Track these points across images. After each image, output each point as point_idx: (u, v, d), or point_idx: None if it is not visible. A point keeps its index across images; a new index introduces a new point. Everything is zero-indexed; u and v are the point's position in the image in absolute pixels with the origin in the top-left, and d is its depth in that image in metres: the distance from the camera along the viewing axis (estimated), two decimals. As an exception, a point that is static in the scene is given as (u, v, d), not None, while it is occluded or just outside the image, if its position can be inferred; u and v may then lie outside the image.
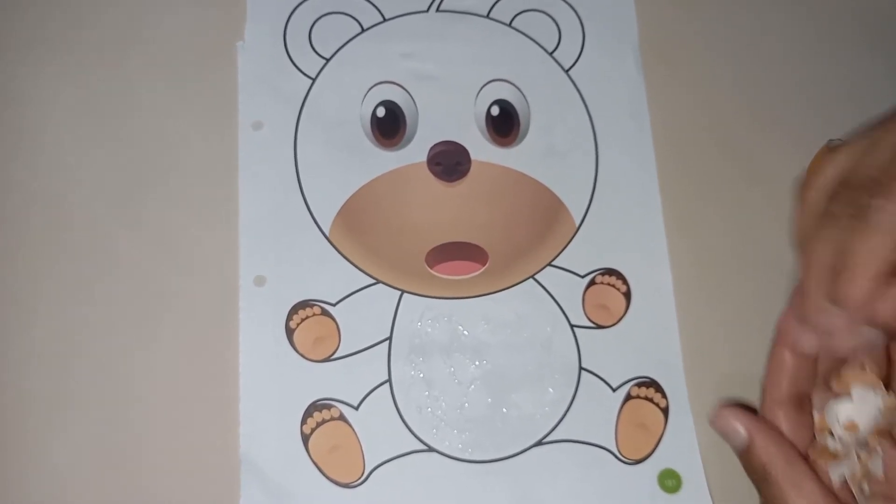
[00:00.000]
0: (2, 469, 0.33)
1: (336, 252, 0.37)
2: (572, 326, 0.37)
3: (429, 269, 0.37)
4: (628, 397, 0.36)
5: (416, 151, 0.38)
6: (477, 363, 0.36)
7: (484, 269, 0.37)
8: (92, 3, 0.39)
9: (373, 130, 0.39)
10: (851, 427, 0.28)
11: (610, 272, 0.38)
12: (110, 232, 0.36)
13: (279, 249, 0.36)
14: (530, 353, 0.36)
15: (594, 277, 0.37)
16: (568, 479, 0.34)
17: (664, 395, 0.36)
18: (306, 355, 0.35)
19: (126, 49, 0.39)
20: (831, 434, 0.28)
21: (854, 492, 0.28)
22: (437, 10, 0.41)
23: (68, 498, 0.33)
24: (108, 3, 0.39)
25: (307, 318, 0.36)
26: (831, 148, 0.27)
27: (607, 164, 0.39)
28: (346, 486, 0.34)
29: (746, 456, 0.29)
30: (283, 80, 0.39)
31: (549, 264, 0.37)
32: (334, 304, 0.36)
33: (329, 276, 0.36)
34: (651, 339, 0.37)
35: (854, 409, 0.28)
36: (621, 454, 0.35)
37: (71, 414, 0.34)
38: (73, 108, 0.38)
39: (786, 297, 0.38)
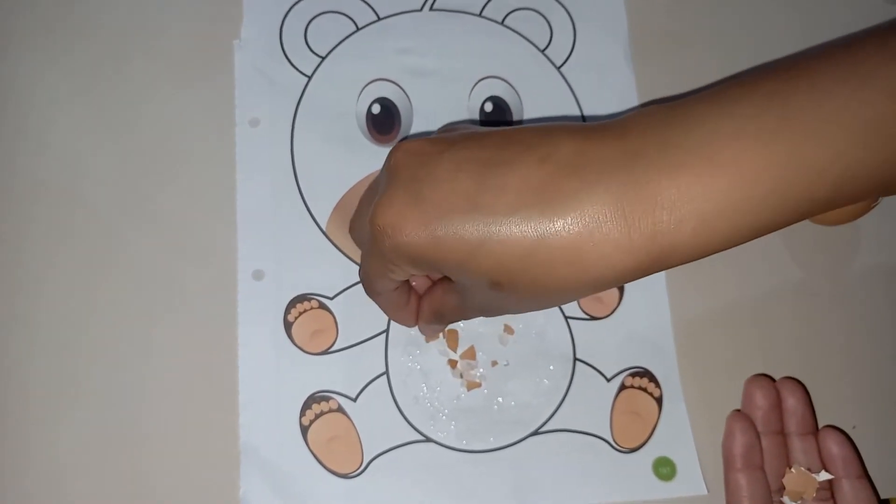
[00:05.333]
0: (3, 457, 0.33)
1: (333, 246, 0.37)
2: (566, 318, 0.37)
3: (425, 262, 0.37)
4: (622, 387, 0.36)
5: (411, 147, 0.39)
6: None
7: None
8: (95, 3, 0.40)
9: (368, 126, 0.39)
10: None
11: (603, 264, 0.38)
12: (109, 228, 0.36)
13: (277, 244, 0.37)
14: (525, 344, 0.37)
15: (587, 269, 0.38)
16: (564, 469, 0.35)
17: (658, 385, 0.37)
18: (304, 348, 0.36)
19: (124, 46, 0.39)
20: None
21: None
22: (431, 8, 0.41)
23: (69, 486, 0.33)
24: (109, 2, 0.40)
25: (305, 311, 0.36)
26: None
27: (599, 159, 0.40)
28: (345, 476, 0.34)
29: None
30: (279, 77, 0.39)
31: (543, 257, 0.38)
32: (332, 298, 0.36)
33: (326, 270, 0.37)
34: (644, 329, 0.37)
35: None
36: (616, 443, 0.36)
37: (72, 405, 0.34)
38: (72, 106, 0.38)
39: (778, 288, 0.39)
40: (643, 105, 0.41)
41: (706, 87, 0.41)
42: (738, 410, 0.36)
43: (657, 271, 0.26)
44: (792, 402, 0.35)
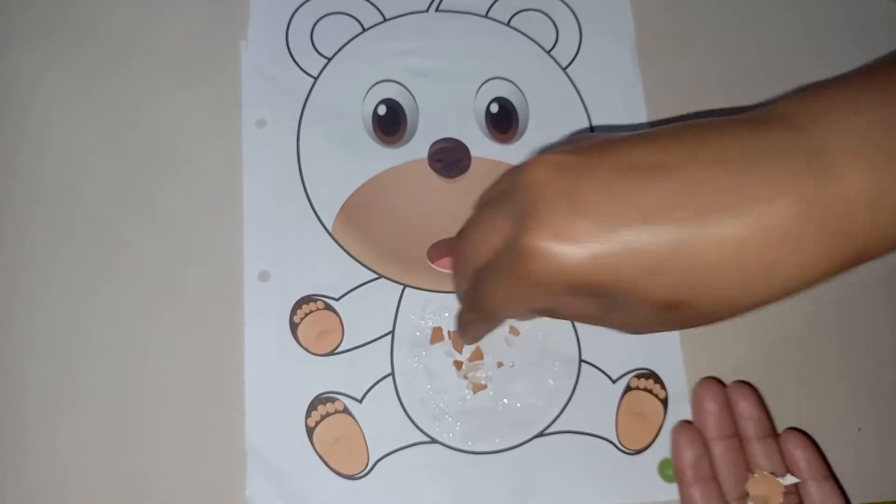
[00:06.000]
0: (7, 458, 0.33)
1: (339, 247, 0.37)
2: (572, 319, 0.37)
3: (430, 263, 0.37)
4: (628, 388, 0.36)
5: (417, 148, 0.39)
6: (478, 356, 0.36)
7: (484, 263, 0.37)
8: (99, 3, 0.40)
9: (374, 128, 0.39)
10: None
11: (609, 266, 0.38)
12: (116, 229, 0.36)
13: (283, 245, 0.37)
14: (531, 345, 0.37)
15: (593, 271, 0.38)
16: (569, 470, 0.35)
17: (663, 387, 0.37)
18: (310, 349, 0.36)
19: (131, 48, 0.39)
20: None
21: None
22: (437, 9, 0.41)
23: (74, 487, 0.33)
24: (114, 2, 0.40)
25: (311, 312, 0.36)
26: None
27: (605, 160, 0.40)
28: (351, 477, 0.34)
29: None
30: (285, 78, 0.39)
31: (549, 258, 0.38)
32: (337, 299, 0.36)
33: (332, 271, 0.37)
34: (650, 331, 0.37)
35: None
36: (622, 444, 0.36)
37: (77, 406, 0.34)
38: (79, 107, 0.38)
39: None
40: (648, 103, 0.41)
41: (712, 86, 0.41)
42: (682, 422, 0.35)
43: (846, 271, 0.23)
44: (743, 405, 0.34)
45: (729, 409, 0.34)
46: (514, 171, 0.26)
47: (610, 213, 0.23)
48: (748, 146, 0.23)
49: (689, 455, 0.33)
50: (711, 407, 0.34)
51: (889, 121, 0.23)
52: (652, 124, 0.40)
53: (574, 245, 0.23)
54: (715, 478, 0.33)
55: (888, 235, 0.23)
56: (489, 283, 0.27)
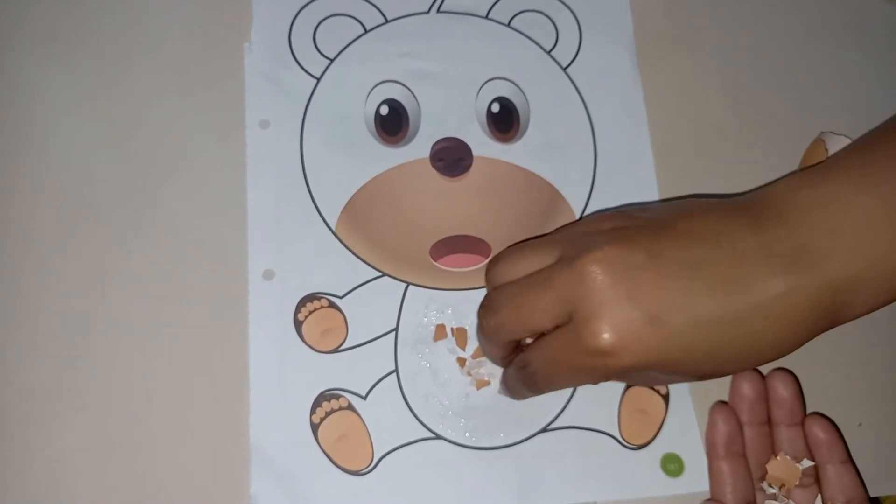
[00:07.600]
0: (13, 459, 0.33)
1: (342, 246, 0.37)
2: (574, 316, 0.37)
3: (433, 261, 0.38)
4: (629, 384, 0.37)
5: (419, 148, 0.39)
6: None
7: (486, 261, 0.38)
8: (102, 5, 0.40)
9: (377, 128, 0.39)
10: None
11: (610, 263, 0.38)
12: (121, 228, 0.37)
13: (287, 244, 0.37)
14: (533, 342, 0.37)
15: (594, 268, 0.38)
16: (572, 465, 0.35)
17: (664, 382, 0.37)
18: (314, 347, 0.36)
19: (135, 50, 0.40)
20: None
21: None
22: (438, 10, 0.42)
23: (79, 486, 0.33)
24: (118, 4, 0.40)
25: (315, 310, 0.36)
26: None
27: (605, 158, 0.40)
28: (355, 473, 0.34)
29: None
30: (288, 79, 0.40)
31: (551, 256, 0.38)
32: (341, 297, 0.37)
33: (336, 269, 0.37)
34: (651, 327, 0.37)
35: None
36: (624, 440, 0.36)
37: (83, 402, 0.34)
38: (83, 108, 0.38)
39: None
40: (648, 103, 0.41)
41: (711, 86, 0.42)
42: (721, 402, 0.35)
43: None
44: (782, 393, 0.35)
45: (764, 396, 0.35)
46: (564, 265, 0.29)
47: (667, 315, 0.27)
48: (756, 243, 0.28)
49: (723, 431, 0.34)
50: (748, 393, 0.35)
51: (861, 213, 0.28)
52: (652, 125, 0.41)
53: (643, 346, 0.27)
54: (744, 455, 0.34)
55: (859, 313, 0.29)
56: (544, 367, 0.31)
